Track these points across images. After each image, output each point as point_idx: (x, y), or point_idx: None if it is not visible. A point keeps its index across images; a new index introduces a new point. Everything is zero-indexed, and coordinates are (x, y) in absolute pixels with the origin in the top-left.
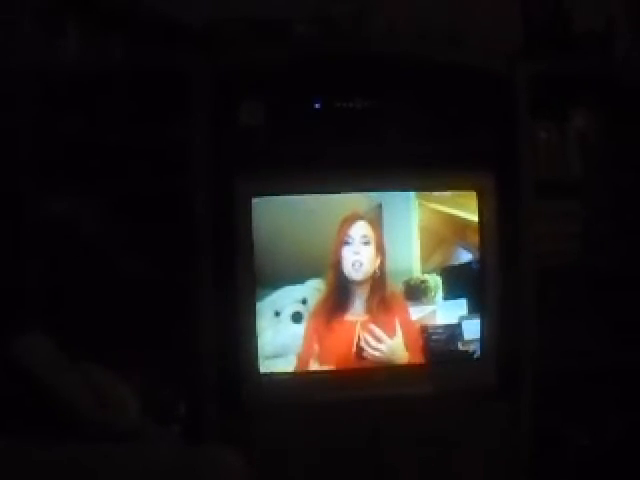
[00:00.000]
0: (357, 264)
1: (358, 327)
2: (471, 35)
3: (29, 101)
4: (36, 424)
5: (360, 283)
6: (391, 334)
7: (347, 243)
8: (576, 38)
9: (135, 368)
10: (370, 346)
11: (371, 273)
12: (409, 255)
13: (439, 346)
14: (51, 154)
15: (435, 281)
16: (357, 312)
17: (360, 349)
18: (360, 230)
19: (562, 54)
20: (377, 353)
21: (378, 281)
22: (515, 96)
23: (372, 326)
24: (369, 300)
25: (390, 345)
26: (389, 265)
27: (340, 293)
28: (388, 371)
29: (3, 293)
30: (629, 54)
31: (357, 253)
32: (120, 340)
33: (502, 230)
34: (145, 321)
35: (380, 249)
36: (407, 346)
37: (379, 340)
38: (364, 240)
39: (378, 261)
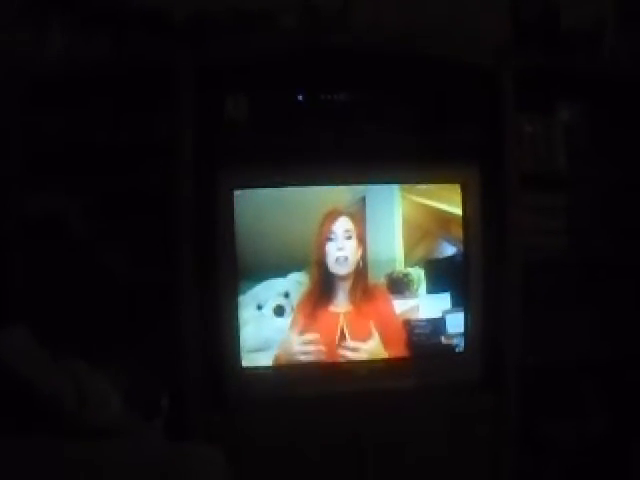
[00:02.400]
0: (341, 259)
1: (341, 318)
2: (457, 28)
3: (15, 98)
4: (15, 420)
5: (343, 277)
6: (366, 337)
7: (330, 239)
8: (563, 32)
9: (118, 363)
10: (351, 350)
11: (354, 266)
12: (392, 248)
13: (422, 340)
14: (36, 150)
15: (418, 274)
16: (340, 304)
17: (344, 340)
18: (342, 225)
19: (549, 48)
20: (358, 357)
21: (360, 273)
22: (501, 89)
23: (348, 342)
24: (352, 292)
25: (367, 349)
26: (372, 258)
27: (324, 287)
28: (371, 365)
29: None
30: (616, 49)
31: (341, 249)
32: (102, 335)
33: (486, 223)
34: (127, 316)
35: (362, 241)
36: (386, 343)
37: (355, 350)
38: (347, 235)
39: (360, 253)
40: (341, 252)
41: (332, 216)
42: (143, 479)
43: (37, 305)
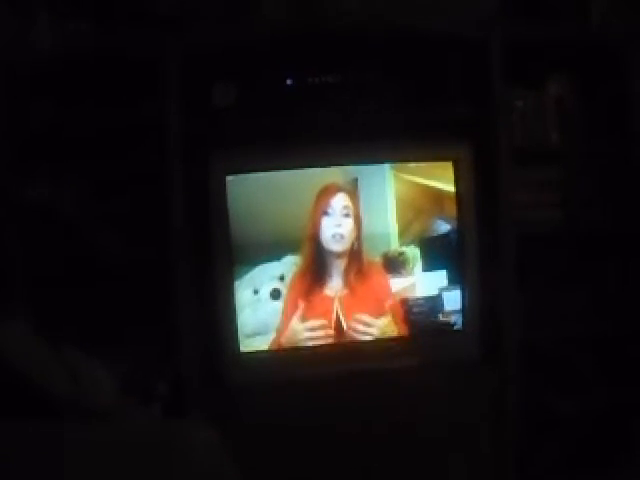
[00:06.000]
0: (338, 236)
1: (336, 302)
2: (444, 1)
3: (2, 86)
4: (6, 405)
5: (338, 255)
6: (378, 313)
7: (327, 214)
8: (551, 2)
9: (114, 349)
10: (358, 331)
11: (350, 245)
12: (386, 227)
13: (420, 318)
14: (26, 140)
15: (413, 253)
16: (335, 286)
17: (339, 325)
18: (341, 202)
19: (537, 19)
20: (367, 337)
21: (355, 253)
22: (490, 63)
23: (359, 315)
24: (347, 273)
25: (380, 325)
26: (367, 238)
27: (317, 265)
28: (369, 345)
29: None
30: (605, 19)
31: (338, 225)
32: (99, 321)
33: (480, 200)
34: (124, 302)
35: (357, 222)
36: (395, 320)
37: (368, 325)
38: (345, 212)
39: (355, 233)
40: (338, 229)
41: (330, 191)
42: (135, 457)
43: (31, 291)
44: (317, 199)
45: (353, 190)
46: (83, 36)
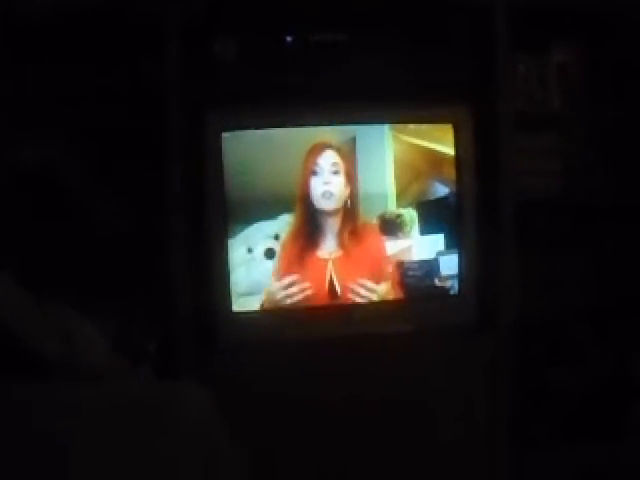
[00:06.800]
0: (327, 194)
1: (330, 264)
2: None
3: None
4: None
5: (331, 213)
6: (373, 276)
7: (315, 173)
8: None
9: (105, 309)
10: (352, 294)
11: (342, 203)
12: (384, 189)
13: (415, 282)
14: (21, 99)
15: (411, 215)
16: (329, 247)
17: (333, 287)
18: (328, 159)
19: None
20: (361, 300)
21: (349, 212)
22: (494, 26)
23: (353, 278)
24: (341, 233)
25: (380, 291)
26: (363, 198)
27: (311, 225)
28: (363, 308)
29: None
30: None
31: (327, 183)
32: (89, 281)
33: (479, 164)
34: (115, 260)
35: (350, 178)
36: (391, 283)
37: (363, 288)
38: (334, 169)
39: (348, 191)
40: (327, 187)
41: (317, 149)
42: (126, 419)
43: (22, 252)
44: (306, 158)
45: (346, 148)
46: None
